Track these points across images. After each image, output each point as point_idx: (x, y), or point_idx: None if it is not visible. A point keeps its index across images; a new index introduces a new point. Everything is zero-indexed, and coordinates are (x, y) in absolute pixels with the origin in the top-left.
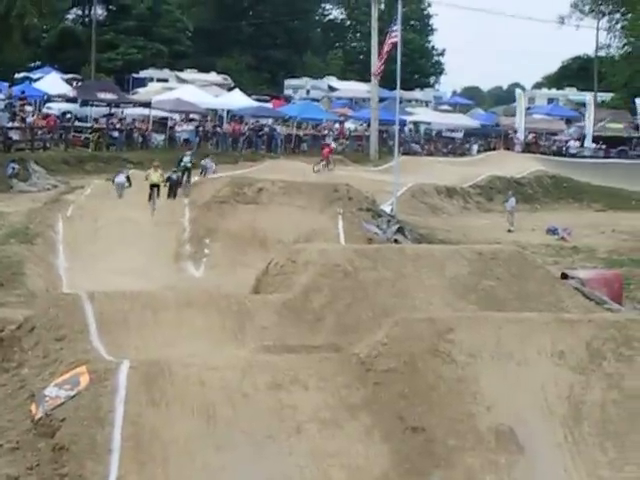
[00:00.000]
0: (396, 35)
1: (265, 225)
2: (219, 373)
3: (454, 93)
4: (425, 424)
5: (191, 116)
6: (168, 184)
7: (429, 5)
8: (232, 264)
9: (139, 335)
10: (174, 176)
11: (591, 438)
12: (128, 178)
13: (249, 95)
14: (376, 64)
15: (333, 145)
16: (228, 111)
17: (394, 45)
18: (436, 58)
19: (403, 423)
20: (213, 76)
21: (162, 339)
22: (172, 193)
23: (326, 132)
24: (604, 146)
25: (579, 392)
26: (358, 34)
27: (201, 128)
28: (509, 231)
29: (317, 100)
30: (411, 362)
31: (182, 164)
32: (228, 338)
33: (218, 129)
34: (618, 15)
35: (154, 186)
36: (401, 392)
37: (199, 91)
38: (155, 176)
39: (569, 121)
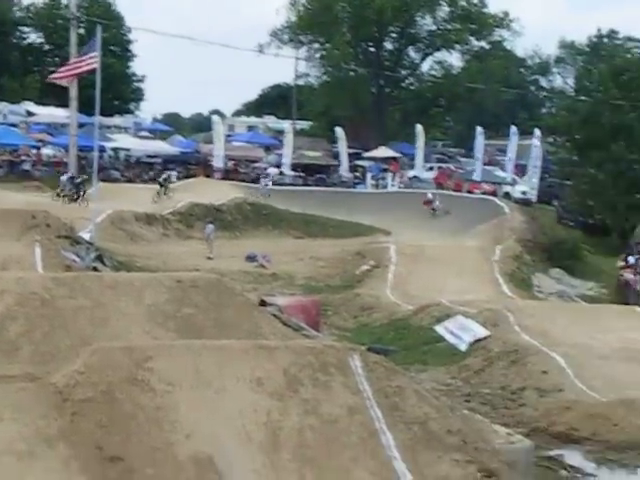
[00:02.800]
0: (95, 61)
1: None
2: None
3: (154, 119)
4: (123, 454)
5: None
6: None
7: (129, 31)
8: None
9: None
10: None
11: (290, 464)
12: None
13: None
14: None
15: (437, 204)
16: None
17: (93, 71)
18: (136, 84)
19: (102, 453)
20: None
21: None
22: None
23: (24, 158)
24: (303, 174)
25: (277, 418)
26: (57, 58)
27: None
28: (209, 258)
29: (15, 125)
30: (109, 391)
31: None
32: None
33: None
34: (317, 45)
35: None
36: (99, 422)
37: None
38: None
39: (268, 149)
